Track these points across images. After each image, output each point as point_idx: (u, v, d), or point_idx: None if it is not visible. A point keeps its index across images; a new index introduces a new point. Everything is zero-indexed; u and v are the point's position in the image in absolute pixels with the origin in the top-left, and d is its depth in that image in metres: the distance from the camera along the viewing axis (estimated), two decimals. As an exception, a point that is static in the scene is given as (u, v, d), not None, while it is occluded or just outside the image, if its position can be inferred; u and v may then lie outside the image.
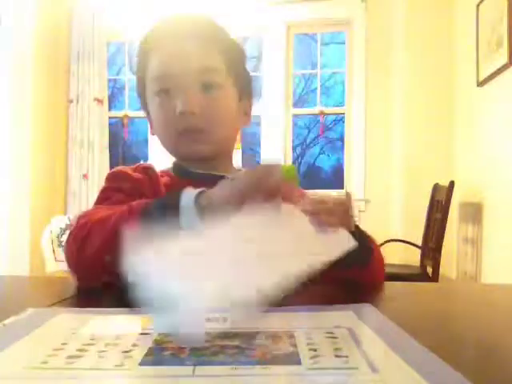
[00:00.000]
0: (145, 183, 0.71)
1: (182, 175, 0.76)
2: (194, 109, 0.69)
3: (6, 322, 0.39)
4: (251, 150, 4.66)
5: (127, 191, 0.68)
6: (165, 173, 0.78)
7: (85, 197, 3.38)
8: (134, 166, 0.75)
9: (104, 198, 0.69)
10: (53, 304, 0.47)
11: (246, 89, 0.80)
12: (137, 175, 0.72)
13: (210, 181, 0.70)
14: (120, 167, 0.76)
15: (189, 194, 0.53)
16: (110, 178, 0.74)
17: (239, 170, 0.82)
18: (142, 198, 0.63)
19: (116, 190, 0.69)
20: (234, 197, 0.49)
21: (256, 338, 0.34)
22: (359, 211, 3.35)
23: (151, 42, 0.74)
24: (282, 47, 3.54)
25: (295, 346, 0.32)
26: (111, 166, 3.60)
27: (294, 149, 3.92)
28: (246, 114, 0.81)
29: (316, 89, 3.86)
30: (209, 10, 3.27)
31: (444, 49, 3.03)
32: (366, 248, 0.63)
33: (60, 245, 2.79)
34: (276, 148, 3.55)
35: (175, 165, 0.79)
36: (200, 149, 0.73)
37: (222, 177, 0.73)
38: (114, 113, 3.81)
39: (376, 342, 0.33)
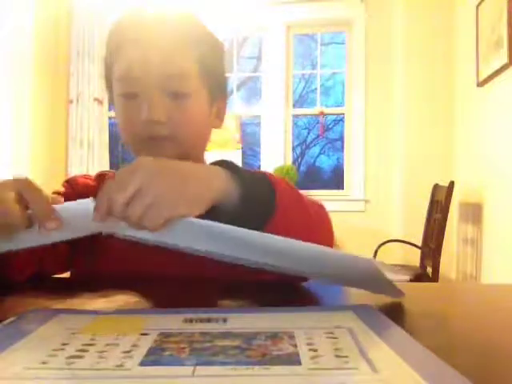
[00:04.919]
0: (91, 189, 0.75)
1: None
2: (160, 117, 0.67)
3: (6, 322, 0.39)
4: (251, 150, 4.66)
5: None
6: None
7: (85, 197, 3.38)
8: (96, 174, 0.80)
9: None
10: (53, 304, 0.47)
11: (219, 91, 0.76)
12: (86, 181, 0.77)
13: None
14: (77, 175, 0.82)
15: None
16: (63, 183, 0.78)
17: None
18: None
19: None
20: None
21: (256, 338, 0.34)
22: (359, 211, 3.36)
23: (117, 40, 0.71)
24: (281, 47, 3.54)
25: (295, 346, 0.32)
26: (111, 166, 3.60)
27: (293, 149, 3.92)
28: (219, 115, 0.78)
29: (316, 89, 3.86)
30: (208, 10, 3.27)
31: (444, 49, 3.04)
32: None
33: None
34: (276, 148, 3.55)
35: None
36: (165, 156, 0.72)
37: None
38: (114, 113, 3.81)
39: (376, 342, 0.33)
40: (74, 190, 0.76)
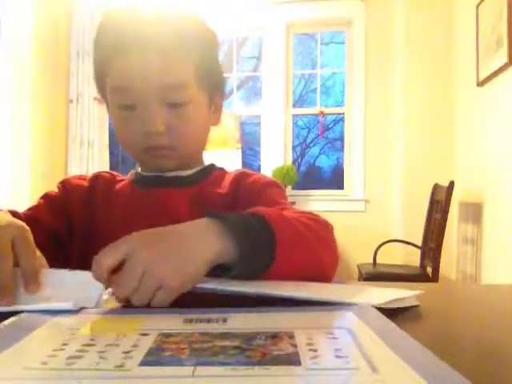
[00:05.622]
0: (84, 190, 0.76)
1: (138, 183, 0.77)
2: (159, 128, 0.66)
3: (6, 322, 0.39)
4: (251, 149, 4.66)
5: (51, 198, 0.75)
6: (128, 177, 0.80)
7: (85, 197, 3.38)
8: (91, 174, 0.80)
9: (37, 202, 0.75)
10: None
11: (217, 88, 0.75)
12: (79, 182, 0.77)
13: (164, 186, 0.73)
14: (71, 176, 0.82)
15: None
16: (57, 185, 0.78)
17: (212, 166, 0.81)
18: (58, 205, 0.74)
19: (44, 196, 0.75)
20: None
21: (256, 338, 0.34)
22: (359, 211, 3.36)
23: (111, 45, 0.67)
24: (281, 47, 3.54)
25: (295, 346, 0.32)
26: (111, 165, 3.61)
27: (293, 149, 3.92)
28: (216, 111, 0.77)
29: (316, 89, 3.86)
30: (208, 10, 3.27)
31: (444, 49, 3.04)
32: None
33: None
34: (276, 148, 3.55)
35: (136, 170, 0.80)
36: (166, 164, 0.72)
37: (176, 178, 0.74)
38: (111, 121, 3.81)
39: (376, 343, 0.33)
40: (67, 191, 0.76)
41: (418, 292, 0.47)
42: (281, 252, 0.51)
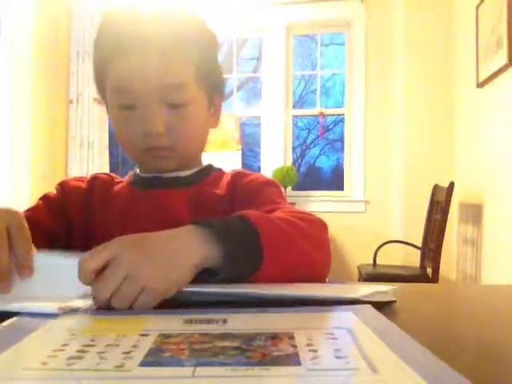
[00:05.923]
0: (82, 191, 0.76)
1: (136, 185, 0.77)
2: (159, 129, 0.66)
3: (5, 323, 0.39)
4: (251, 150, 4.66)
5: (50, 199, 0.75)
6: (126, 179, 0.80)
7: (84, 197, 3.38)
8: (90, 176, 0.80)
9: (36, 203, 0.75)
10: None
11: (216, 89, 0.75)
12: (78, 184, 0.77)
13: (163, 187, 0.73)
14: (70, 178, 0.82)
15: None
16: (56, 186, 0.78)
17: (210, 167, 0.81)
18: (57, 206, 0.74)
19: (43, 198, 0.76)
20: None
21: (256, 338, 0.34)
22: (359, 212, 3.36)
23: (111, 46, 0.67)
24: (281, 48, 3.55)
25: (295, 346, 0.32)
26: (111, 166, 3.60)
27: (293, 150, 3.93)
28: (215, 113, 0.77)
29: (316, 90, 3.86)
30: (208, 11, 3.27)
31: (444, 50, 3.04)
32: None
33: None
34: (276, 149, 3.55)
35: (134, 171, 0.80)
36: (166, 164, 0.72)
37: (175, 178, 0.74)
38: (111, 121, 3.81)
39: (376, 343, 0.33)
40: (65, 192, 0.76)
41: (395, 287, 0.49)
42: (268, 252, 0.51)
